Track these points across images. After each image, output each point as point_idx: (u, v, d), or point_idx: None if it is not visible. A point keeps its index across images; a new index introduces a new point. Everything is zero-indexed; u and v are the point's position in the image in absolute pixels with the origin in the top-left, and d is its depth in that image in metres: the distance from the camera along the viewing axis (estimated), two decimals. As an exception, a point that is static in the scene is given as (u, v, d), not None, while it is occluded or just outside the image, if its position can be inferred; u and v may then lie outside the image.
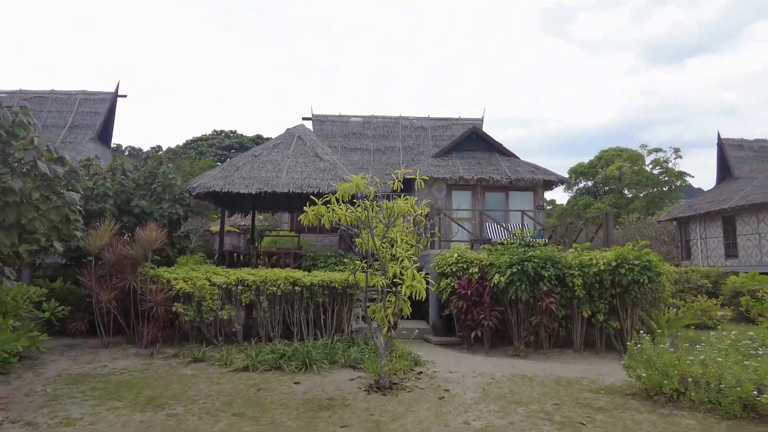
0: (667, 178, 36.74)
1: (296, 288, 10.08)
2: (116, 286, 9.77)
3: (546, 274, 9.43)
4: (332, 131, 22.16)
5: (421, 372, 7.87)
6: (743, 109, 71.93)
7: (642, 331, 8.71)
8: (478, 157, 18.15)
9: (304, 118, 22.23)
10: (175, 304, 9.65)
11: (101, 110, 19.23)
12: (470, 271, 10.29)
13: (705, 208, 23.70)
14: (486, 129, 21.86)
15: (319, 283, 10.15)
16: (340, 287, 10.17)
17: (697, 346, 6.95)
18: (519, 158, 18.38)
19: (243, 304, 10.04)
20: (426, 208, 8.01)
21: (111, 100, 19.51)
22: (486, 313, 9.63)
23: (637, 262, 9.19)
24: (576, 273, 9.43)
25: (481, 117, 22.58)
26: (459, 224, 13.98)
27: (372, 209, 7.33)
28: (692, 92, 74.60)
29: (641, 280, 9.08)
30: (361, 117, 22.50)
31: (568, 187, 45.99)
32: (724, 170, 25.22)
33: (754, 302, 10.41)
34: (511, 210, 16.55)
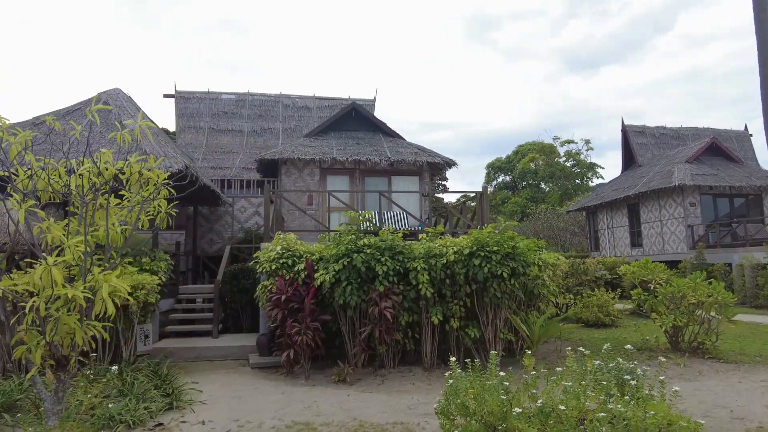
0: (579, 170, 36.40)
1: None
2: None
3: (381, 270, 6.98)
4: (198, 110, 18.91)
5: (162, 425, 5.10)
6: (646, 114, 75.91)
7: (512, 339, 6.58)
8: (358, 138, 15.68)
9: (165, 96, 18.85)
10: None
11: None
12: (296, 268, 7.70)
13: (611, 196, 22.73)
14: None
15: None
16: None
17: (558, 368, 4.68)
18: (404, 139, 16.11)
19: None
20: (161, 173, 5.29)
21: None
22: (302, 325, 7.04)
23: (495, 249, 6.94)
24: (421, 266, 7.06)
25: (373, 98, 20.20)
26: (299, 212, 11.38)
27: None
28: (604, 98, 77.55)
29: (501, 273, 6.84)
30: (235, 94, 19.42)
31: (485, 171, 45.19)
32: (629, 158, 24.49)
33: (646, 295, 8.59)
34: (395, 191, 14.17)
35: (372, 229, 8.43)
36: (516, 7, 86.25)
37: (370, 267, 7.06)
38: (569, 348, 8.49)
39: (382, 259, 7.06)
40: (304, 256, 7.83)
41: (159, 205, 5.58)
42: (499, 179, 49.47)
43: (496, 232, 7.38)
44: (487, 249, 6.95)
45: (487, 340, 7.21)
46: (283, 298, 7.30)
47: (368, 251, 7.09)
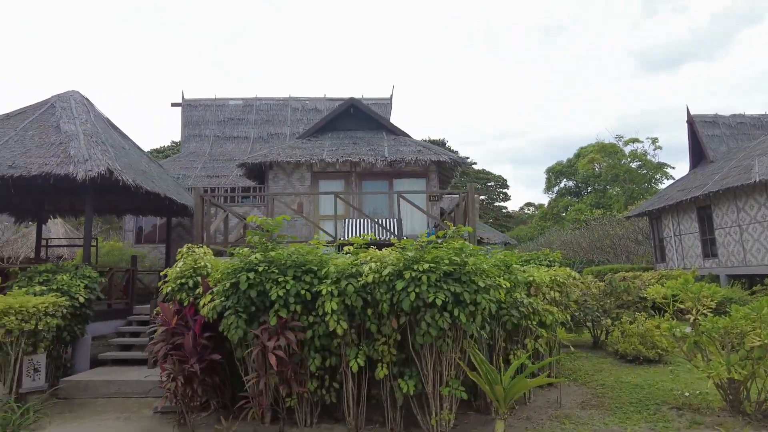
0: (646, 172, 32.25)
1: None
2: None
3: (276, 294, 5.14)
4: (204, 118, 18.08)
5: None
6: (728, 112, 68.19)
7: (464, 396, 4.54)
8: (356, 137, 13.96)
9: (173, 104, 18.22)
10: None
11: None
12: (197, 291, 6.08)
13: (676, 198, 19.23)
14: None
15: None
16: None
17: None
18: (410, 137, 14.16)
19: None
20: None
21: None
22: (181, 366, 5.35)
23: (427, 267, 4.86)
24: (328, 290, 5.12)
25: (388, 96, 18.41)
26: (289, 221, 9.74)
27: None
28: (684, 98, 70.43)
29: (434, 301, 4.74)
30: (242, 100, 18.43)
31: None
32: (697, 153, 20.80)
33: (683, 330, 6.06)
34: (401, 192, 12.26)
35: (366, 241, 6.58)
36: (587, 10, 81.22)
37: (262, 291, 5.25)
38: (578, 401, 6.18)
39: (281, 280, 5.22)
40: (209, 273, 6.19)
41: None
42: (561, 184, 45.72)
43: (443, 239, 5.29)
44: (416, 267, 4.89)
45: (429, 396, 5.10)
46: (169, 329, 5.68)
47: (261, 269, 5.28)
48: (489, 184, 52.22)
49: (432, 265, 4.89)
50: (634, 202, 29.61)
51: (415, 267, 4.87)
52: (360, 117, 14.42)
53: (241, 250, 5.66)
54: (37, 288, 7.33)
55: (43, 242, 11.86)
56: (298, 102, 18.46)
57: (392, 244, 5.73)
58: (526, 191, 79.70)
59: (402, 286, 4.81)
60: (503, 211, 52.77)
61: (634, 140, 33.54)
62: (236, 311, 5.26)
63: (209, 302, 5.55)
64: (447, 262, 4.95)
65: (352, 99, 14.27)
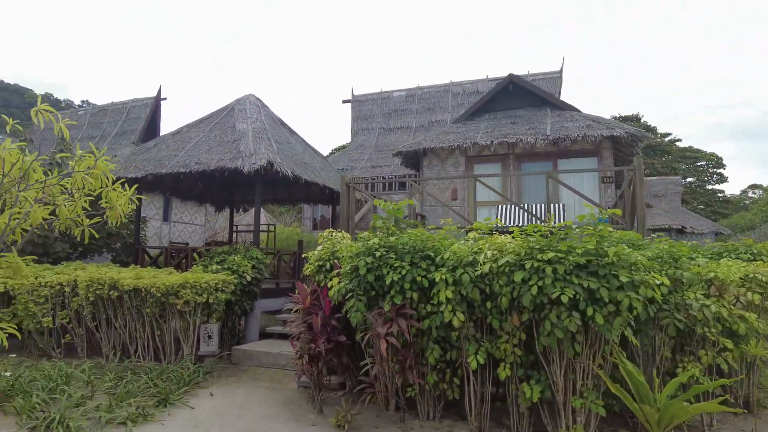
0: None
1: (113, 293, 7.51)
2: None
3: (390, 280, 4.97)
4: (371, 111, 18.90)
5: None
6: None
7: (600, 412, 3.91)
8: (515, 116, 12.98)
9: (344, 101, 19.49)
10: (-14, 308, 8.05)
11: (143, 115, 19.58)
12: (332, 274, 6.32)
13: None
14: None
15: (143, 287, 7.35)
16: (159, 293, 7.19)
17: None
18: (579, 111, 12.60)
19: (75, 311, 7.93)
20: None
21: (152, 105, 19.75)
22: (308, 345, 5.59)
23: (552, 257, 4.11)
24: (443, 277, 4.75)
25: (558, 69, 16.69)
26: (442, 209, 9.58)
27: None
28: None
29: (561, 298, 3.98)
30: (405, 90, 18.72)
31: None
32: None
33: None
34: (570, 170, 11.14)
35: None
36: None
37: (382, 276, 5.12)
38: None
39: (397, 265, 5.02)
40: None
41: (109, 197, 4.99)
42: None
43: (582, 225, 4.44)
44: (539, 256, 4.18)
45: (559, 406, 4.37)
46: (300, 309, 6.00)
47: (379, 254, 5.16)
48: (698, 164, 44.31)
49: (559, 254, 4.14)
50: None
51: (539, 257, 4.17)
52: (521, 94, 13.37)
53: (362, 235, 5.64)
54: (214, 267, 8.50)
55: (234, 228, 13.83)
56: (458, 86, 18.05)
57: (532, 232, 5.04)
58: (751, 171, 65.28)
59: (521, 278, 4.18)
60: (718, 195, 44.21)
61: None
62: (356, 295, 5.25)
63: (337, 284, 5.66)
64: (580, 251, 4.13)
65: (510, 75, 13.30)
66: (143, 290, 7.35)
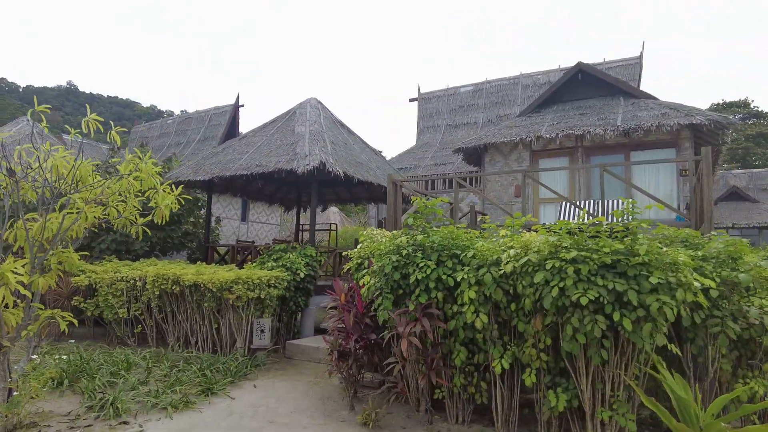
0: None
1: (175, 288, 8.11)
2: None
3: (414, 278, 4.88)
4: (437, 108, 18.66)
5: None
6: None
7: (630, 427, 3.64)
8: (585, 107, 12.18)
9: (410, 100, 19.46)
10: (75, 297, 9.03)
11: (223, 122, 20.92)
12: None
13: None
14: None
15: (201, 282, 7.87)
16: (214, 288, 7.65)
17: None
18: (656, 99, 11.55)
19: (146, 304, 8.69)
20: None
21: (231, 112, 21.03)
22: (338, 342, 5.64)
23: (575, 255, 3.78)
24: (465, 276, 4.56)
25: (637, 55, 15.37)
26: (504, 206, 9.24)
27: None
28: None
29: (581, 301, 3.65)
30: (472, 85, 18.26)
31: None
32: None
33: None
34: (620, 163, 10.34)
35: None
36: None
37: (405, 272, 5.04)
38: None
39: (422, 264, 4.91)
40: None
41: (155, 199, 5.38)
42: None
43: (616, 221, 4.05)
44: (561, 255, 3.87)
45: (587, 417, 4.02)
46: (336, 306, 6.08)
47: (405, 252, 5.08)
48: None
49: (583, 253, 3.81)
50: None
51: (561, 256, 3.87)
52: (591, 83, 12.51)
53: (392, 233, 5.59)
54: (270, 264, 8.86)
55: (301, 227, 14.34)
56: (528, 78, 17.25)
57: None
58: None
59: (541, 278, 3.90)
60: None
61: None
62: (384, 293, 5.22)
63: (368, 282, 5.66)
64: (607, 250, 3.77)
65: (579, 64, 12.48)
66: (202, 286, 7.84)
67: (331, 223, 14.30)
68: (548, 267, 3.90)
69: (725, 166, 35.90)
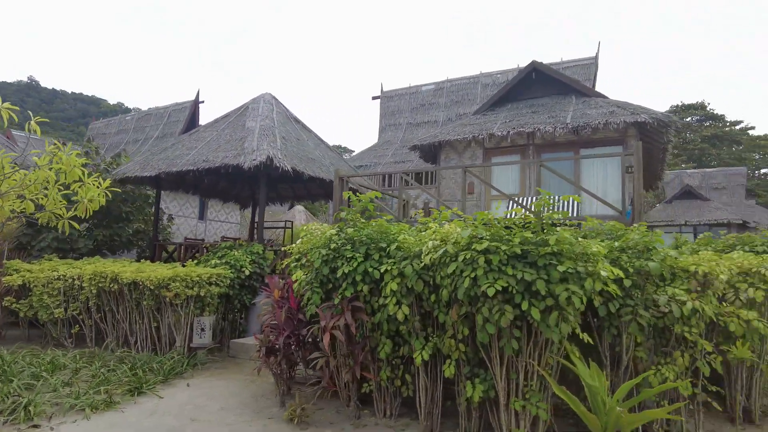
0: None
1: (114, 286, 7.83)
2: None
3: (342, 272, 4.81)
4: (399, 107, 18.69)
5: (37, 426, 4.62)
6: None
7: (541, 415, 3.63)
8: (537, 105, 12.36)
9: (373, 98, 19.42)
10: (6, 298, 8.65)
11: (182, 118, 20.47)
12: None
13: None
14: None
15: (140, 280, 7.61)
16: (152, 285, 7.41)
17: None
18: (606, 97, 11.81)
19: (84, 303, 8.36)
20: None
21: (191, 108, 20.59)
22: (267, 338, 5.53)
23: (486, 246, 3.78)
24: (389, 268, 4.53)
25: (593, 56, 15.71)
26: (458, 202, 9.26)
27: None
28: None
29: (488, 291, 3.65)
30: (434, 84, 18.35)
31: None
32: None
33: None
34: (554, 158, 10.54)
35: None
36: None
37: (333, 266, 4.97)
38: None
39: (350, 257, 4.85)
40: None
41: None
42: None
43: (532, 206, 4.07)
44: (474, 246, 3.86)
45: (501, 407, 4.03)
46: (270, 302, 5.96)
47: (334, 245, 5.01)
48: (776, 153, 40.49)
49: (495, 244, 3.81)
50: None
51: (474, 247, 3.86)
52: (545, 82, 12.70)
53: (320, 226, 5.51)
54: (214, 261, 8.67)
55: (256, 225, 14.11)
56: (488, 77, 17.44)
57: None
58: None
59: (454, 268, 3.89)
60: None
61: None
62: (313, 287, 5.13)
63: (300, 277, 5.57)
64: (517, 240, 3.78)
65: (533, 62, 12.66)
66: (140, 283, 7.60)
67: (286, 221, 14.11)
68: (460, 258, 3.89)
69: (683, 166, 37.10)
